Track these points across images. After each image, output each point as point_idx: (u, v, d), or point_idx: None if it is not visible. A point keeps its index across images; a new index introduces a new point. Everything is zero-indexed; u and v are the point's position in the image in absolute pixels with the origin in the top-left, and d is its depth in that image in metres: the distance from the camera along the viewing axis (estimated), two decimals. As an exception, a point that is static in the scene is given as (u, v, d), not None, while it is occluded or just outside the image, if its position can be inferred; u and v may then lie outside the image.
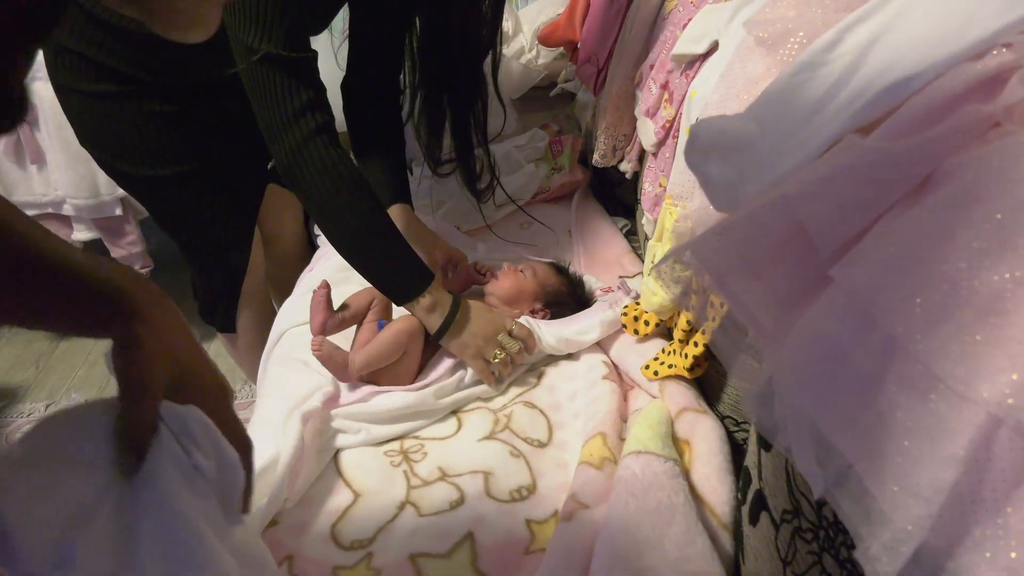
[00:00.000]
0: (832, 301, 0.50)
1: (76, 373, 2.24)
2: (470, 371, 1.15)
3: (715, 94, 0.72)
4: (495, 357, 1.14)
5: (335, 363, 1.13)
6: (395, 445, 1.08)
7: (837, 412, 0.48)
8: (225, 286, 1.51)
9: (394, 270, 1.13)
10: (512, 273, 1.31)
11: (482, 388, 1.16)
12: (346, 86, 1.36)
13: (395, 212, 1.30)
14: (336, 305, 1.19)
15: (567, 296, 1.32)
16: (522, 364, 1.19)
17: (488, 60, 1.30)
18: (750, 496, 0.81)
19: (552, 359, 1.23)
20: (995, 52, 0.49)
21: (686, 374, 1.04)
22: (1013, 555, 0.37)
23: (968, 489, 0.39)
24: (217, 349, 2.21)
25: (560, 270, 1.36)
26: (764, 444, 0.76)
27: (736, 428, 1.01)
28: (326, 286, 1.18)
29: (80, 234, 2.09)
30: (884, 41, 0.55)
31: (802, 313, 0.54)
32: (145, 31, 1.18)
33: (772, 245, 0.54)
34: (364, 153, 1.35)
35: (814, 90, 0.56)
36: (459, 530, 0.90)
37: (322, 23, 1.15)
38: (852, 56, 0.55)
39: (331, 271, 1.43)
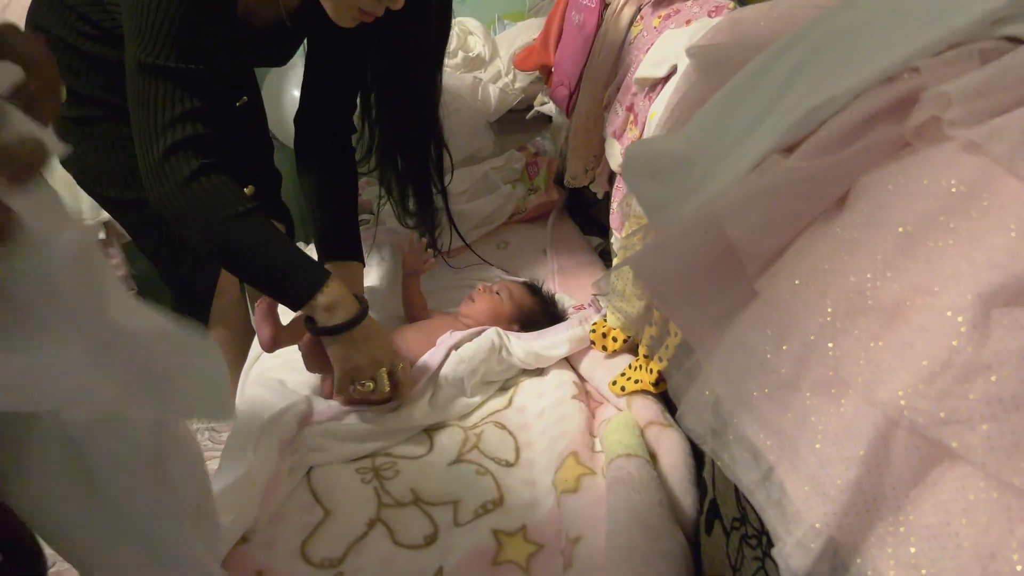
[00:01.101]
0: (756, 312, 0.53)
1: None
2: (441, 391, 1.17)
3: (662, 116, 0.75)
4: (362, 385, 1.09)
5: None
6: (367, 462, 1.10)
7: (761, 417, 0.50)
8: (193, 307, 1.53)
9: (282, 275, 1.06)
10: (487, 294, 1.33)
11: (455, 410, 1.17)
12: (298, 120, 1.34)
13: (335, 268, 1.21)
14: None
15: (541, 315, 1.34)
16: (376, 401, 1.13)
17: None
18: (706, 506, 0.83)
19: (521, 378, 1.24)
20: (905, 76, 0.52)
21: (652, 388, 1.06)
22: (913, 550, 0.40)
23: (870, 488, 0.41)
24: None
25: (534, 289, 1.38)
26: (717, 454, 0.78)
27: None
28: (267, 300, 1.16)
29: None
30: (809, 67, 0.58)
31: (735, 321, 0.56)
32: (119, 58, 1.19)
33: (705, 260, 0.57)
34: (312, 193, 1.31)
35: (744, 113, 0.59)
36: (431, 568, 0.91)
37: (221, 43, 1.07)
38: (779, 82, 0.58)
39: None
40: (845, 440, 0.42)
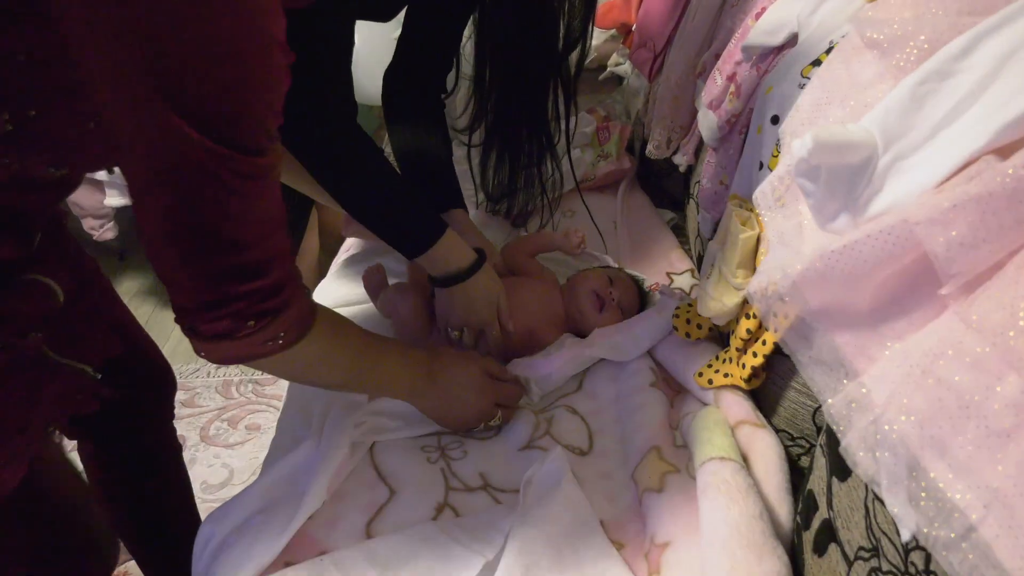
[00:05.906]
0: (954, 340, 0.45)
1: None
2: None
3: (809, 95, 0.66)
4: (449, 331, 1.15)
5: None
6: (432, 440, 1.05)
7: (961, 467, 0.43)
8: None
9: (400, 223, 1.09)
10: (614, 312, 1.22)
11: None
12: (389, 74, 1.29)
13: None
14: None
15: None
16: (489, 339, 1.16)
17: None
18: (815, 524, 0.77)
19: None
20: None
21: (743, 384, 0.99)
22: None
23: None
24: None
25: (640, 290, 1.27)
26: (838, 472, 0.71)
27: (791, 443, 0.96)
28: (381, 270, 1.21)
29: (112, 199, 2.07)
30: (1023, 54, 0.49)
31: (916, 345, 0.49)
32: None
33: (887, 273, 0.49)
34: (403, 146, 1.29)
35: (941, 102, 0.51)
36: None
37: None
38: (986, 67, 0.50)
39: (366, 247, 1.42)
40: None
